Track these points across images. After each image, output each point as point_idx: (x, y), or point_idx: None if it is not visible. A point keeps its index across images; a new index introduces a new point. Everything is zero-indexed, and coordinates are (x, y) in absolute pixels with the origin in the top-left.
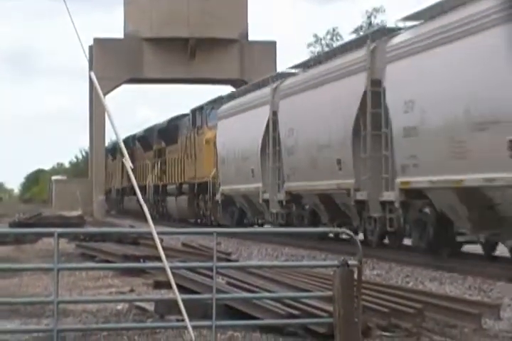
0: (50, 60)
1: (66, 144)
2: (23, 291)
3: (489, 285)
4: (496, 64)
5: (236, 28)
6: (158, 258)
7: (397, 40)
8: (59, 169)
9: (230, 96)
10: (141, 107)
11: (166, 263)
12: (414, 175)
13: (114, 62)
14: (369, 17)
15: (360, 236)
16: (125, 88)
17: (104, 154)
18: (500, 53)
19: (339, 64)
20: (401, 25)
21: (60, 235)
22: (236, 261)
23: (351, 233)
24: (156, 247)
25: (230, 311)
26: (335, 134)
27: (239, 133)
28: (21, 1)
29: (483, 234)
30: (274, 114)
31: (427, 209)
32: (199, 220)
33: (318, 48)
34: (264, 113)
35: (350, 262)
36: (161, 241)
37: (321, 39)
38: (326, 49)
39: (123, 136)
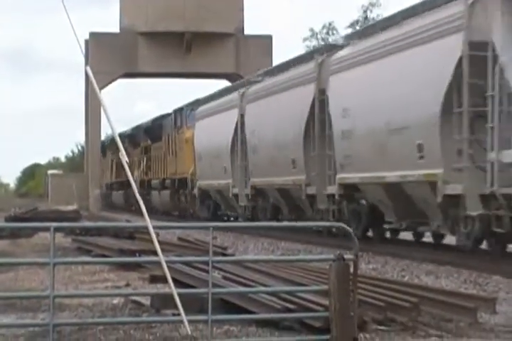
0: (47, 55)
1: (62, 138)
2: (19, 285)
3: (485, 279)
4: (406, 83)
5: (232, 22)
6: (154, 253)
7: (337, 55)
8: (55, 163)
9: (207, 99)
10: (139, 101)
11: (161, 258)
12: (349, 172)
13: (110, 57)
14: (365, 11)
15: None
16: (122, 82)
17: (99, 148)
18: (408, 75)
19: (294, 74)
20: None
21: (56, 229)
22: (232, 255)
23: (348, 227)
24: (152, 241)
25: (226, 305)
26: (290, 135)
27: (213, 133)
28: None
29: (405, 222)
30: (242, 116)
31: (363, 201)
32: (180, 213)
33: (314, 42)
34: (233, 115)
35: (346, 256)
36: (157, 235)
37: (317, 33)
38: (322, 43)
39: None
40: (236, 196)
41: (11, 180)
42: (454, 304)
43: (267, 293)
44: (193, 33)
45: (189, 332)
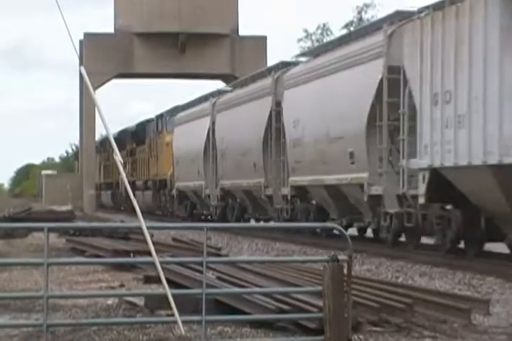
0: (41, 54)
1: (56, 139)
2: (12, 286)
3: (478, 281)
4: (342, 99)
5: (227, 23)
6: (149, 253)
7: (291, 72)
8: (49, 164)
9: (185, 106)
10: (134, 102)
11: (156, 258)
12: (299, 175)
13: (105, 57)
14: (359, 12)
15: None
16: (116, 83)
17: (94, 149)
18: (343, 92)
19: (256, 87)
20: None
21: (50, 230)
22: (226, 256)
23: (341, 228)
24: (146, 242)
25: (220, 306)
26: (252, 142)
27: (189, 138)
28: None
29: (345, 219)
30: (213, 124)
31: (313, 201)
32: (163, 212)
33: (308, 43)
34: (206, 123)
35: (340, 257)
36: (152, 235)
37: (311, 34)
38: (316, 44)
39: (103, 134)
40: (209, 196)
41: (5, 180)
42: (448, 305)
43: (261, 293)
44: (188, 34)
45: (183, 333)
